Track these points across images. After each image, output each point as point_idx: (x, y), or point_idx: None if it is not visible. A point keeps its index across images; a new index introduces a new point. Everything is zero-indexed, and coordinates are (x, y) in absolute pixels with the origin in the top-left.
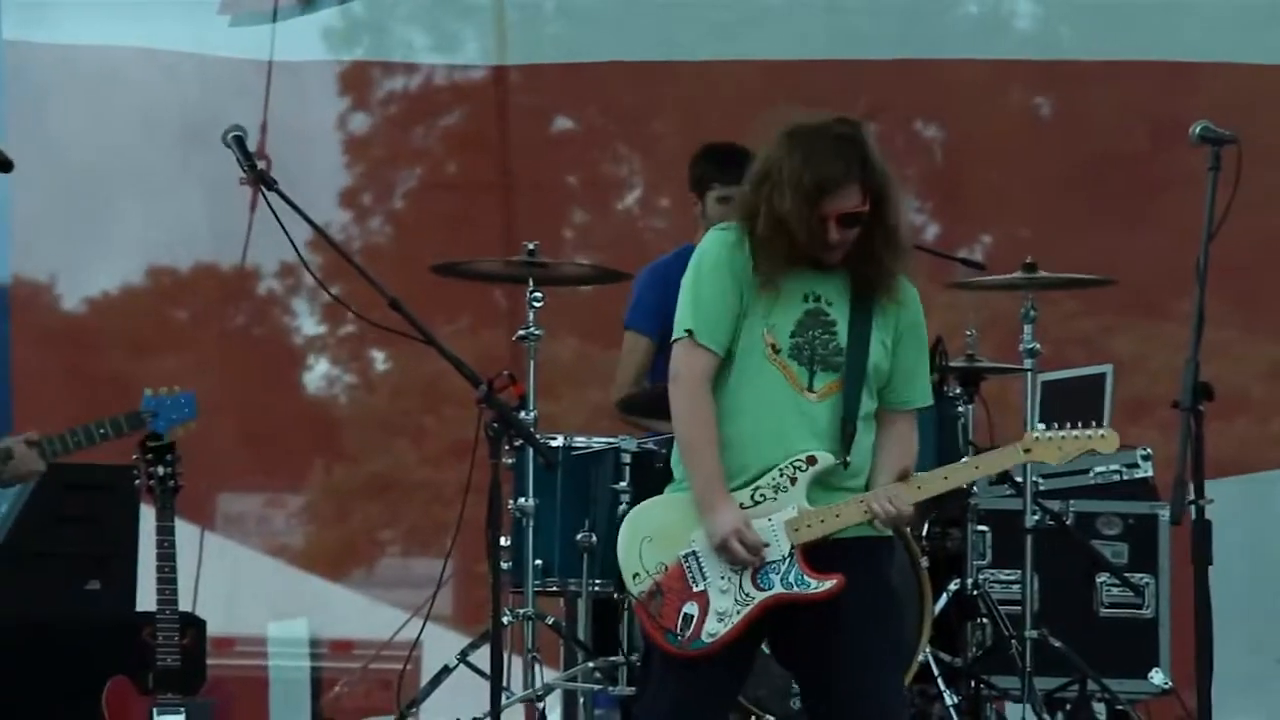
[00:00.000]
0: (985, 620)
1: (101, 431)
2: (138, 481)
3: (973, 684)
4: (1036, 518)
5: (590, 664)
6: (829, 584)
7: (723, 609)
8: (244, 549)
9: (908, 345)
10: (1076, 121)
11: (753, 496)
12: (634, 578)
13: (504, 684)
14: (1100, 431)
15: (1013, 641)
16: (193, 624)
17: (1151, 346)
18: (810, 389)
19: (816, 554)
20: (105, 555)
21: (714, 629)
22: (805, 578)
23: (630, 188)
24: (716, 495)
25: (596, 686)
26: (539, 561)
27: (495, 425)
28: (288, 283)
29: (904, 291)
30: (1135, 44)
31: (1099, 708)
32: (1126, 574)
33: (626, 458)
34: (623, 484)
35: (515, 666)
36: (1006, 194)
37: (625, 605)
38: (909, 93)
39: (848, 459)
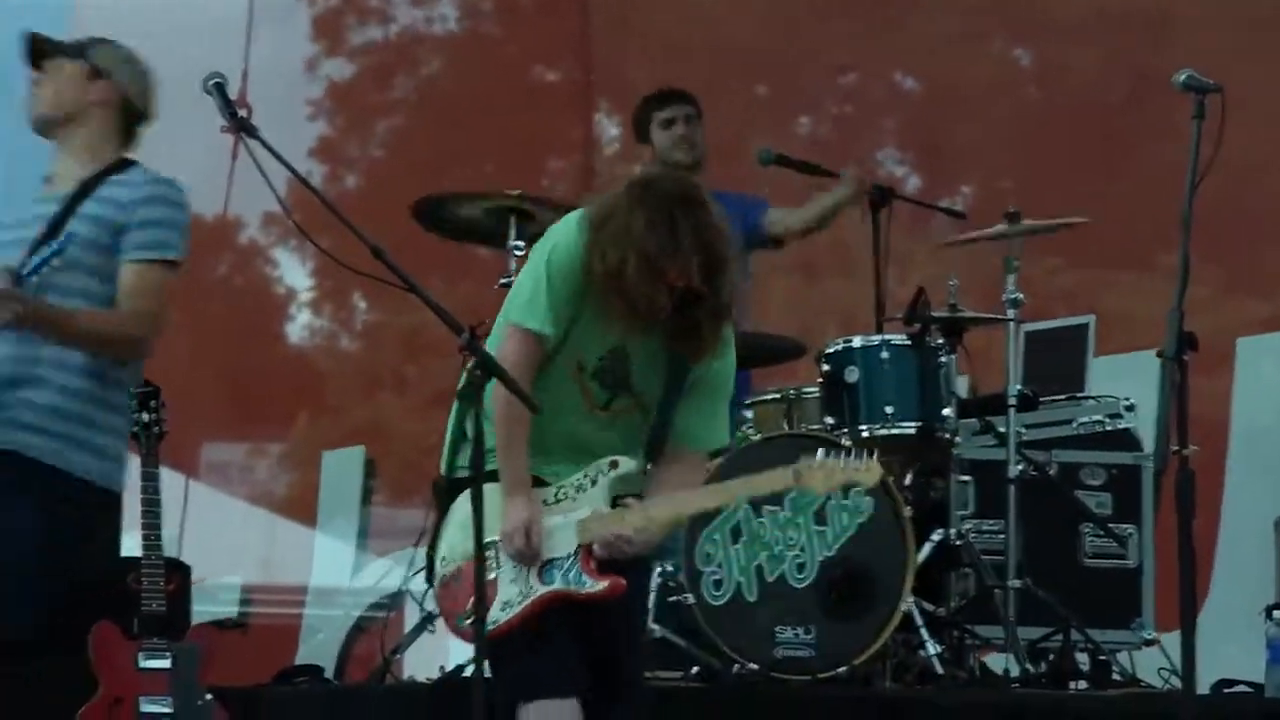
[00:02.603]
0: (969, 570)
1: None
2: None
3: (956, 633)
4: (1020, 468)
5: None
6: (603, 585)
7: (508, 599)
8: (228, 498)
9: (709, 387)
10: (1056, 73)
11: (556, 494)
12: (442, 560)
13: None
14: (866, 464)
15: (996, 591)
16: (178, 569)
17: (1135, 299)
18: (604, 408)
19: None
20: None
21: (495, 616)
22: (584, 577)
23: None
24: (519, 492)
25: None
26: None
27: (478, 372)
28: (270, 233)
29: (722, 366)
30: None
31: (1082, 657)
32: (1110, 524)
33: None
34: None
35: None
36: (987, 146)
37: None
38: (887, 45)
39: (649, 466)
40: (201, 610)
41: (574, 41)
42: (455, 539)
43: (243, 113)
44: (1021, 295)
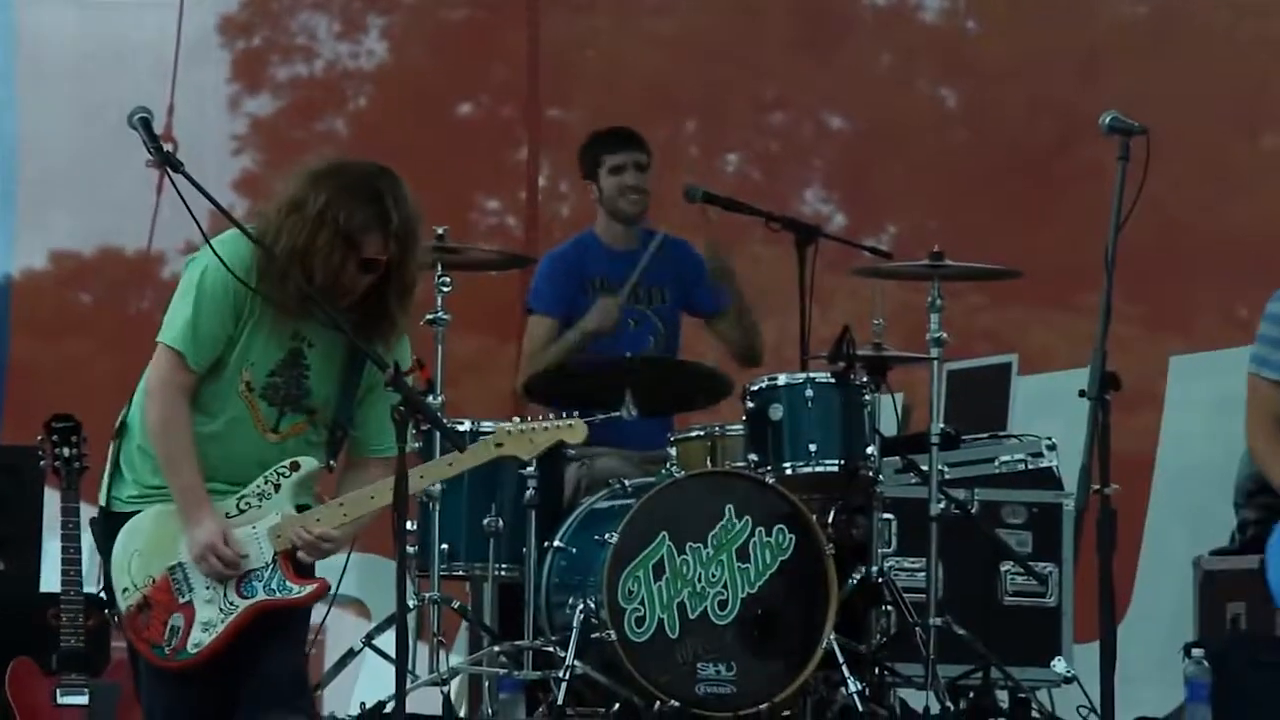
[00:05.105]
0: (890, 608)
1: None
2: (43, 462)
3: (876, 671)
4: (942, 506)
5: (495, 648)
6: (310, 588)
7: (207, 619)
8: None
9: (382, 393)
10: (983, 113)
11: (238, 505)
12: (124, 592)
13: (409, 668)
14: (569, 421)
15: (917, 629)
16: (97, 605)
17: (1057, 338)
18: (274, 430)
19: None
20: (8, 536)
21: (199, 639)
22: (288, 583)
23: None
24: (195, 508)
25: (502, 671)
26: (445, 546)
27: (402, 409)
28: None
29: (400, 345)
30: (1042, 37)
31: (1002, 695)
32: (1030, 563)
33: None
34: (529, 469)
35: (420, 651)
36: (913, 185)
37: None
38: (815, 83)
39: (332, 463)
40: None
41: (506, 76)
42: (135, 567)
43: (168, 147)
44: (945, 335)
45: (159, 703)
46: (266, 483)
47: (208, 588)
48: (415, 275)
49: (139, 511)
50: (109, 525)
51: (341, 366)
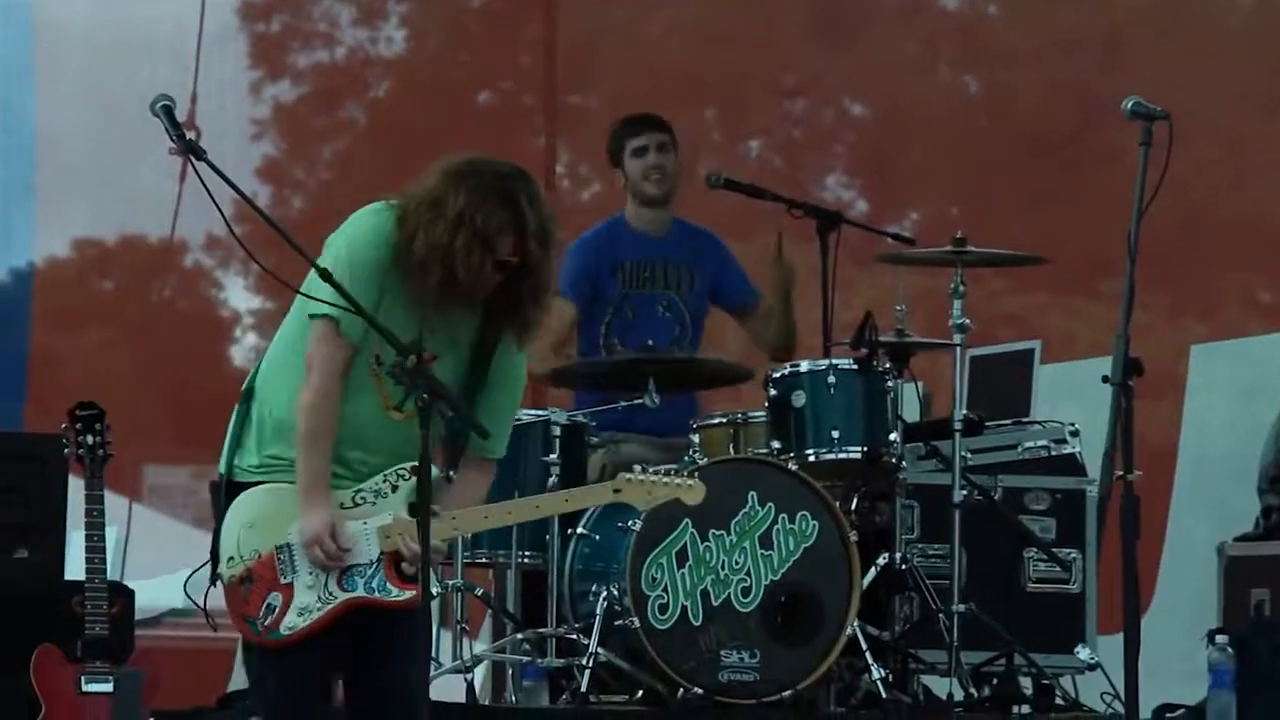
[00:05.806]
0: (913, 594)
1: None
2: (67, 450)
3: (900, 657)
4: (965, 493)
5: (519, 636)
6: (409, 593)
7: (304, 604)
8: (171, 521)
9: (500, 392)
10: (1005, 100)
11: (354, 498)
12: (229, 561)
13: (433, 655)
14: (689, 481)
15: (940, 615)
16: (121, 593)
17: (1079, 324)
18: (399, 409)
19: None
20: (33, 524)
21: (293, 623)
22: (388, 584)
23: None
24: (315, 495)
25: (525, 658)
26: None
27: (425, 397)
28: (214, 255)
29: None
30: (1062, 22)
31: (1025, 682)
32: (1054, 549)
33: (556, 430)
34: (553, 456)
35: (444, 638)
36: (935, 172)
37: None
38: (837, 70)
39: (451, 473)
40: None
41: (526, 64)
42: (244, 539)
43: (191, 135)
44: (968, 320)
45: (272, 672)
46: (385, 481)
47: (311, 573)
48: (552, 275)
49: (260, 482)
50: (233, 492)
51: (465, 361)
